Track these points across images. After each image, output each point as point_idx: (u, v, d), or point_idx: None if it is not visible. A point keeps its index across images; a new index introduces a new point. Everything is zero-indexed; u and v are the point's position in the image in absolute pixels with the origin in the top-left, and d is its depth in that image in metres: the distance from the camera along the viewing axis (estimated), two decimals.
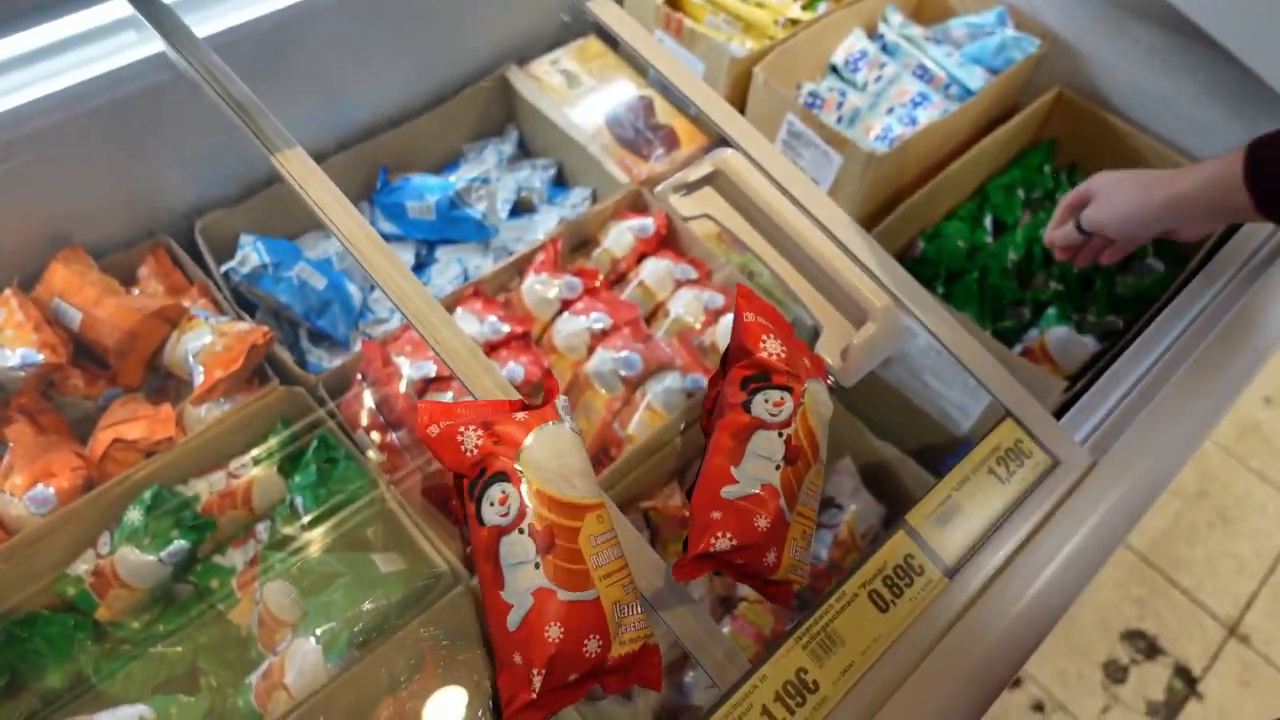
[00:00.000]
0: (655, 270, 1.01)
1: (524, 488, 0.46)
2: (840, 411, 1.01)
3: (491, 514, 0.46)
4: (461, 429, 0.48)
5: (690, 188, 0.60)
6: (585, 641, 0.44)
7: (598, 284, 1.00)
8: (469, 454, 0.47)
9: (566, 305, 0.98)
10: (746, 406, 0.48)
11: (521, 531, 0.45)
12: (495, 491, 0.47)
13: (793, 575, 0.47)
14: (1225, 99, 1.06)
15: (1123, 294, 1.08)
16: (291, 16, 0.92)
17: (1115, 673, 1.42)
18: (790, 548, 0.47)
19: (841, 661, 0.50)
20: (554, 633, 0.43)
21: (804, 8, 1.16)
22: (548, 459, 0.47)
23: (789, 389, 0.49)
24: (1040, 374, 0.89)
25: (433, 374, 0.89)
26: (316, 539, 0.78)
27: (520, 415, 0.49)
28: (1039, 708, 1.37)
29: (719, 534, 0.46)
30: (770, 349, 0.49)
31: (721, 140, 1.15)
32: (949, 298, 1.05)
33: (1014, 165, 1.18)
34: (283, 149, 0.60)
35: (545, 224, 1.11)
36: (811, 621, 0.50)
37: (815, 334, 0.60)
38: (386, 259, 0.56)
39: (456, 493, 0.49)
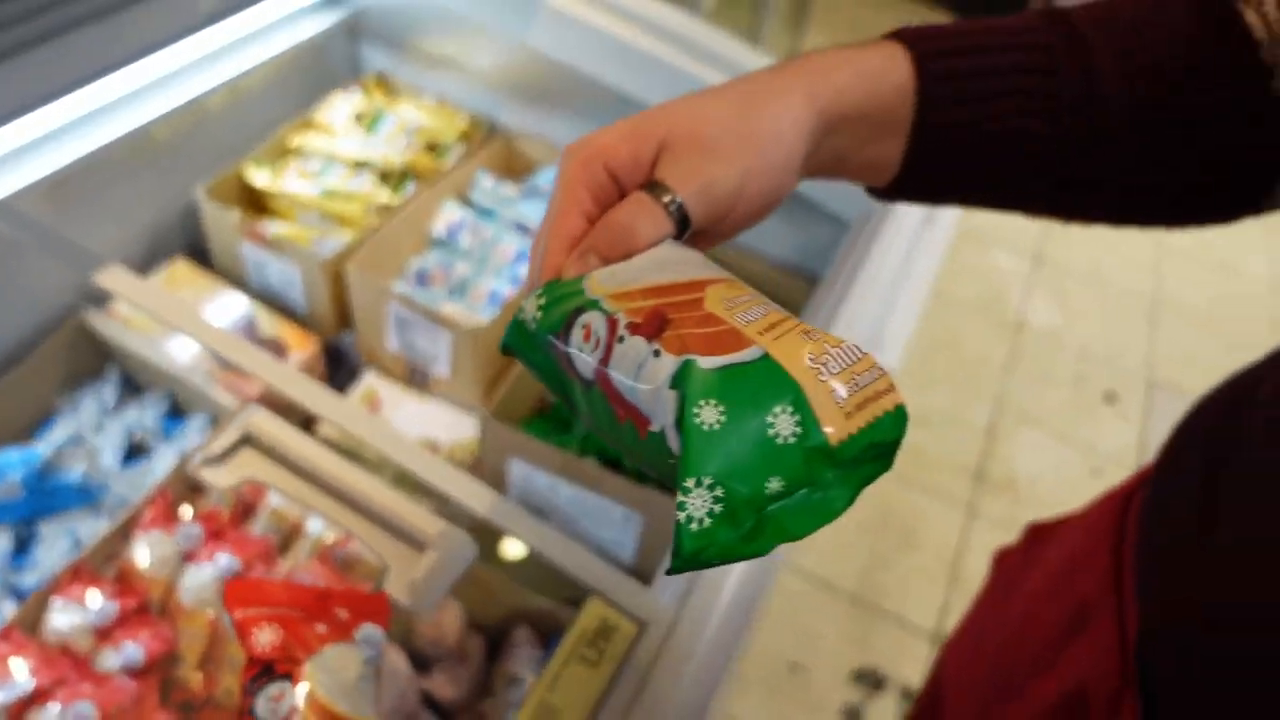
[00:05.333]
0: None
1: None
2: (504, 581, 1.02)
3: None
4: None
5: (223, 457, 0.59)
6: None
7: (223, 525, 0.94)
8: None
9: (190, 559, 0.91)
10: (252, 712, 0.47)
11: None
12: None
13: None
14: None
15: None
16: None
17: (852, 716, 1.52)
18: None
19: None
20: None
21: (393, 190, 1.20)
22: None
23: (288, 677, 0.48)
24: (666, 500, 0.95)
25: (30, 690, 0.78)
26: None
27: None
28: None
29: None
30: (263, 641, 0.48)
31: (331, 349, 1.15)
32: (589, 439, 1.10)
33: None
34: None
35: (165, 464, 1.03)
36: None
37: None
38: None
39: None
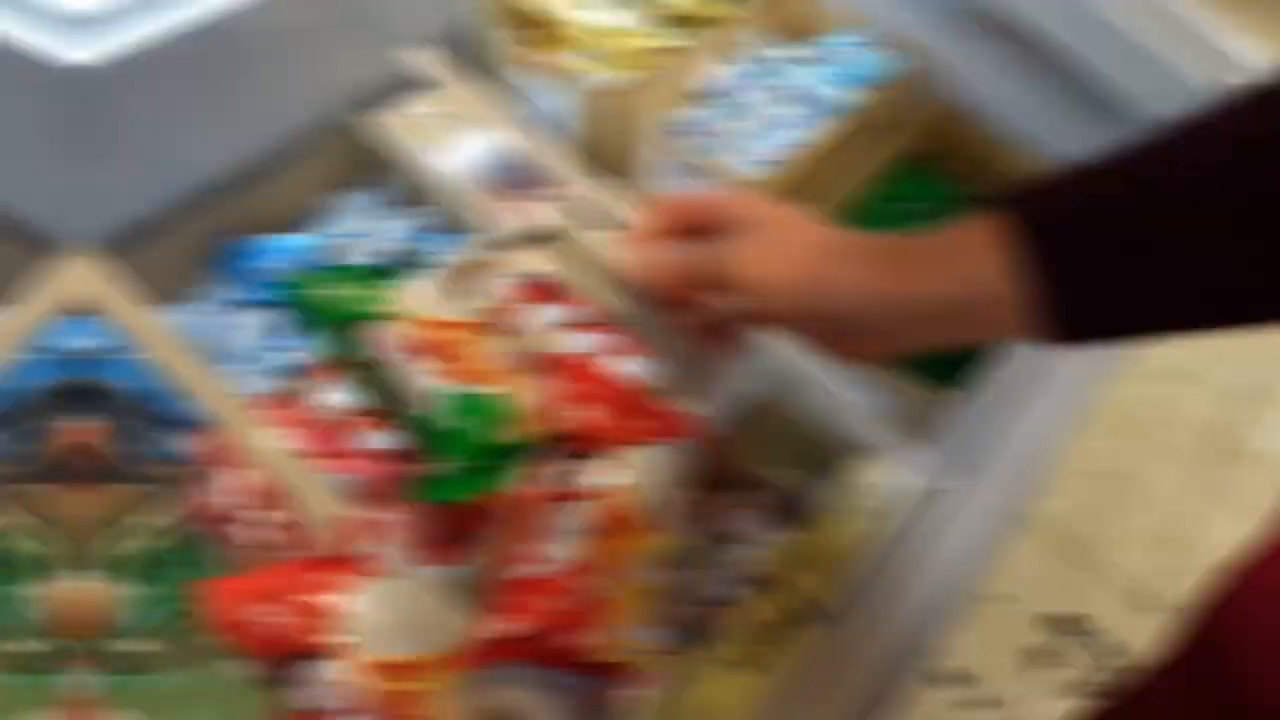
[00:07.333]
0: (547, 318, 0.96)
1: None
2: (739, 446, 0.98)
3: None
4: None
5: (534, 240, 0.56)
6: None
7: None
8: None
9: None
10: (563, 477, 0.45)
11: None
12: None
13: (631, 657, 0.44)
14: (1085, 104, 1.09)
15: None
16: None
17: (1047, 657, 1.45)
18: (618, 627, 0.43)
19: None
20: None
21: (672, 36, 1.15)
22: None
23: (609, 456, 0.45)
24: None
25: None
26: None
27: None
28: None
29: (509, 619, 0.42)
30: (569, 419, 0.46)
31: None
32: None
33: (901, 182, 1.18)
34: None
35: None
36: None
37: None
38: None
39: None
